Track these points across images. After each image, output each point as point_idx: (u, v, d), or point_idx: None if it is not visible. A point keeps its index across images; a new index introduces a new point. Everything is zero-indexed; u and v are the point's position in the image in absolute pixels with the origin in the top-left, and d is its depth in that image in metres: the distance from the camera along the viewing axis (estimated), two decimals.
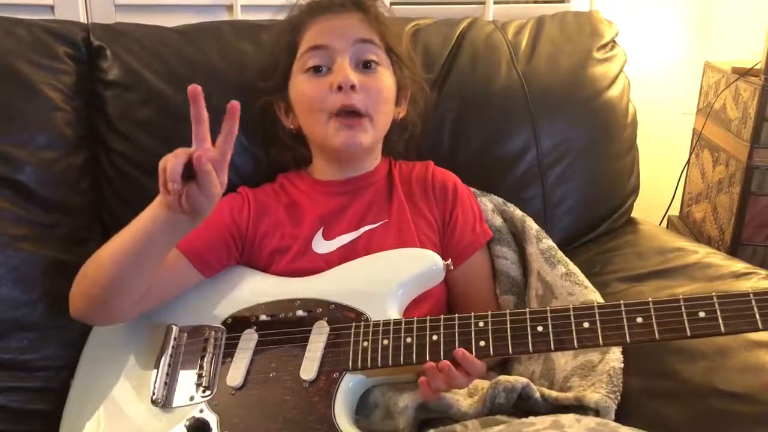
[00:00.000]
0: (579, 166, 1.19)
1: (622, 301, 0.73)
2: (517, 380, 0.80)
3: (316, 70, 0.96)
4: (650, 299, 0.72)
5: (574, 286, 0.94)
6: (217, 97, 1.09)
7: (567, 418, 0.68)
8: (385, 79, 0.99)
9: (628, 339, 0.72)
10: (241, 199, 1.01)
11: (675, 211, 1.72)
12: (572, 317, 0.74)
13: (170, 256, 0.89)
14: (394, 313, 0.84)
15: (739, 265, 0.99)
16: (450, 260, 0.88)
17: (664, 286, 0.98)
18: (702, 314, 0.70)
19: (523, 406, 0.81)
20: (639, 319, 0.72)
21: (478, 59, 1.20)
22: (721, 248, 1.44)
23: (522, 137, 1.17)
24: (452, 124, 1.16)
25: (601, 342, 0.73)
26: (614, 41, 1.27)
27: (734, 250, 1.42)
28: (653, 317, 0.71)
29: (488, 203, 1.08)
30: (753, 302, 0.69)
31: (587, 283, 0.95)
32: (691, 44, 1.69)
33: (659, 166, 1.57)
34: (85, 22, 1.26)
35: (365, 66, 0.97)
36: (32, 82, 1.05)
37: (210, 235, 0.94)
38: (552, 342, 0.74)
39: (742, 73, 1.42)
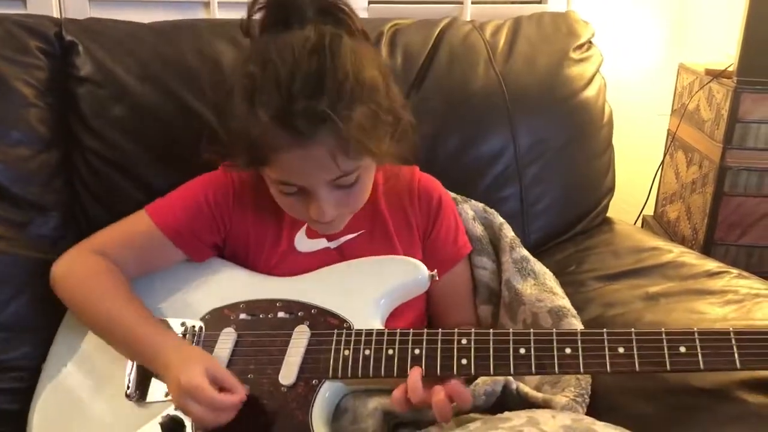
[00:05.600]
0: (555, 166, 1.20)
1: (605, 330, 0.73)
2: (495, 381, 0.79)
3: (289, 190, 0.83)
4: (633, 330, 0.72)
5: (543, 293, 0.94)
6: (192, 95, 1.10)
7: (542, 414, 0.68)
8: (367, 179, 0.86)
9: (608, 368, 0.71)
10: (225, 177, 0.93)
11: (649, 210, 1.74)
12: (555, 342, 0.74)
13: (147, 231, 0.90)
14: (376, 321, 0.83)
15: (712, 264, 1.01)
16: (436, 270, 0.87)
17: (639, 284, 0.99)
18: (682, 349, 0.70)
19: (497, 398, 0.80)
20: (621, 349, 0.72)
21: (456, 59, 1.19)
22: (695, 247, 1.46)
23: (500, 136, 1.17)
24: (430, 124, 1.16)
25: (581, 369, 0.73)
26: (590, 42, 1.27)
27: (707, 249, 1.44)
28: (635, 348, 0.71)
29: (469, 210, 1.06)
30: (733, 341, 0.69)
31: (557, 290, 0.95)
32: (666, 46, 1.71)
33: (634, 166, 1.59)
34: (58, 16, 1.24)
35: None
36: (4, 78, 1.03)
37: (190, 213, 0.91)
38: (533, 366, 0.73)
39: (716, 75, 1.44)
